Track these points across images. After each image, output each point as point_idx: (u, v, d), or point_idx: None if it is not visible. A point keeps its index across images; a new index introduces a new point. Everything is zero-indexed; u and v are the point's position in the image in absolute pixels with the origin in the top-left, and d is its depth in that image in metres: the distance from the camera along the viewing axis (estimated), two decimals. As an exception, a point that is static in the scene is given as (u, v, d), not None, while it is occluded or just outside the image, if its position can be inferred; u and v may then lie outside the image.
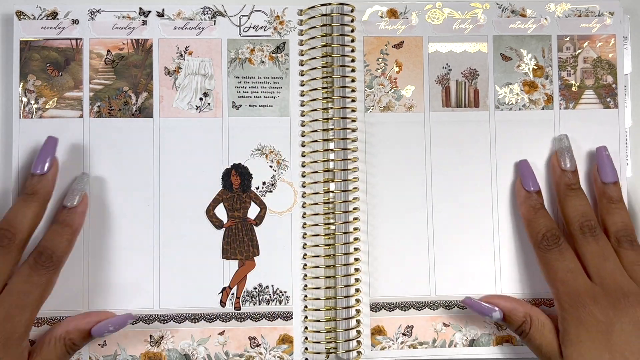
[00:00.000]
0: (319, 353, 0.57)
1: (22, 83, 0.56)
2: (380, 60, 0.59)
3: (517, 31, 0.60)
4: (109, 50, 0.57)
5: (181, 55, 0.58)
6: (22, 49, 0.57)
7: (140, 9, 0.58)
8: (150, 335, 0.57)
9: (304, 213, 0.58)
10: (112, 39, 0.57)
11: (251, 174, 0.58)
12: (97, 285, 0.56)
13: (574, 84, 0.60)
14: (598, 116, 0.60)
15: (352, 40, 0.59)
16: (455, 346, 0.58)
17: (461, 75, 0.60)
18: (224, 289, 0.57)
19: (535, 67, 0.60)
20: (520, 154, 0.59)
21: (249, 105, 0.58)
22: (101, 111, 0.57)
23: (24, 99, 0.56)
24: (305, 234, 0.58)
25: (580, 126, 0.59)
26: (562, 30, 0.60)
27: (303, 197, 0.58)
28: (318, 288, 0.57)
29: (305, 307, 0.57)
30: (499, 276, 0.58)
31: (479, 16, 0.60)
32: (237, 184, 0.58)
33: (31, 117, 0.56)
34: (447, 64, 0.60)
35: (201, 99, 0.58)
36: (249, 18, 0.58)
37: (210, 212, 0.57)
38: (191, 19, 0.58)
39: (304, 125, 0.58)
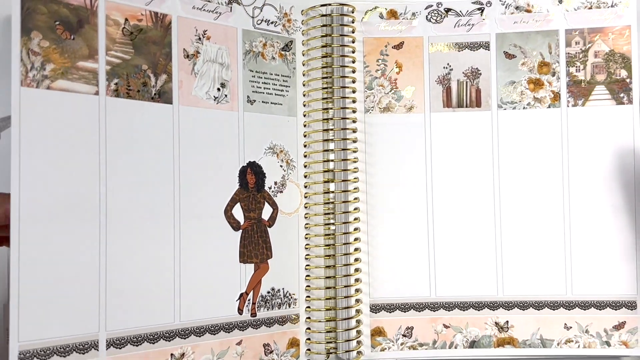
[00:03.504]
0: (319, 354, 0.57)
1: (23, 39, 0.43)
2: (380, 61, 0.59)
3: (522, 27, 0.58)
4: (126, 19, 0.48)
5: (199, 38, 0.52)
6: (24, -5, 0.43)
7: (162, -21, 0.50)
8: (172, 354, 0.49)
9: (306, 213, 0.58)
10: (130, 6, 0.48)
11: (265, 173, 0.55)
12: (115, 298, 0.46)
13: (584, 80, 0.57)
14: (610, 113, 0.56)
15: (353, 41, 0.59)
16: (455, 347, 0.57)
17: (462, 75, 0.58)
18: (241, 295, 0.53)
19: (541, 64, 0.58)
20: (524, 154, 0.57)
21: (262, 102, 0.56)
22: (119, 90, 0.47)
23: (27, 62, 0.43)
24: (307, 234, 0.57)
25: (590, 124, 0.57)
26: (570, 24, 0.58)
27: (305, 197, 0.58)
28: (319, 288, 0.57)
29: (308, 307, 0.57)
30: (501, 277, 0.57)
31: (481, 14, 0.58)
32: (252, 183, 0.55)
33: (35, 87, 0.43)
34: (448, 64, 0.58)
35: (219, 89, 0.53)
36: (261, 10, 0.56)
37: (228, 212, 0.53)
38: (209, 1, 0.53)
39: (306, 125, 0.58)
